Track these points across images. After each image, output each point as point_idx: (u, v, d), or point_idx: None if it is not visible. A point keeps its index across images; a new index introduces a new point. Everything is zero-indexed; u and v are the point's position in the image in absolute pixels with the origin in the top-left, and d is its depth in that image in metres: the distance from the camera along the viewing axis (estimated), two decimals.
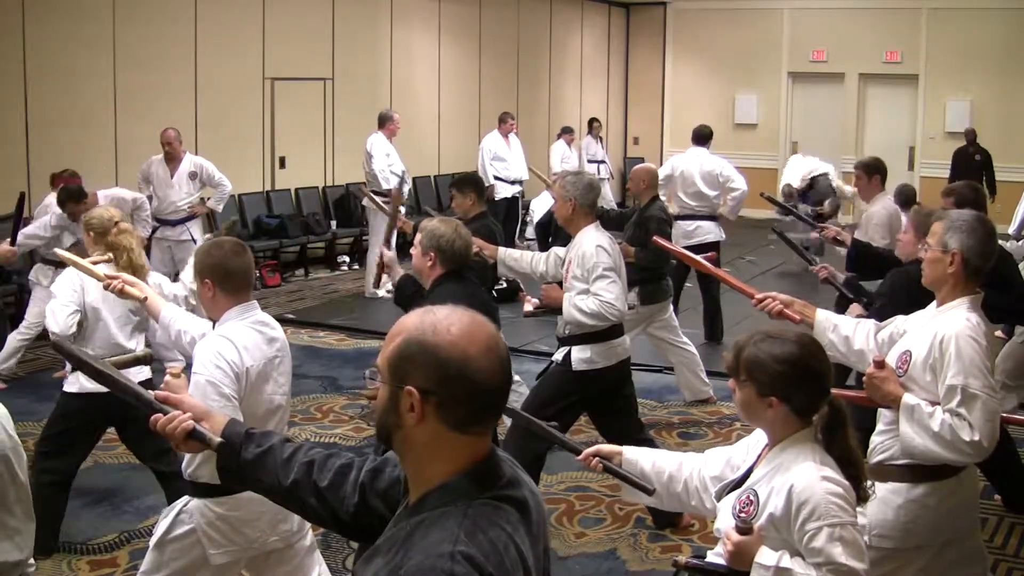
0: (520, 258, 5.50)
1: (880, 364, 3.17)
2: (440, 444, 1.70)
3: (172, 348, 3.81)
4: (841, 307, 5.22)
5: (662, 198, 8.45)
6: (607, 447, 2.95)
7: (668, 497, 2.89)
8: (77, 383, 4.56)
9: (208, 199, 8.72)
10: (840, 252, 5.87)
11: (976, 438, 3.00)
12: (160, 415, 2.22)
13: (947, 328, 3.11)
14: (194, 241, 8.12)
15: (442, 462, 1.70)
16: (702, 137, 8.85)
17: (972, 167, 12.88)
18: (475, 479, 1.70)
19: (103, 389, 4.65)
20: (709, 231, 8.42)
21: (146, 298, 3.87)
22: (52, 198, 7.40)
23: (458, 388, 1.66)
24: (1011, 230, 8.30)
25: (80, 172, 9.01)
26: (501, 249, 5.50)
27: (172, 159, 8.39)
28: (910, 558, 3.19)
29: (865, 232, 6.30)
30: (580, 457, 2.91)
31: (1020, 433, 5.92)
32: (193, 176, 8.42)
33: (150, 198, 8.86)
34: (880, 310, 4.09)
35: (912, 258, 4.35)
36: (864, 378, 3.24)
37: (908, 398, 3.10)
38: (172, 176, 8.36)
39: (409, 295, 4.66)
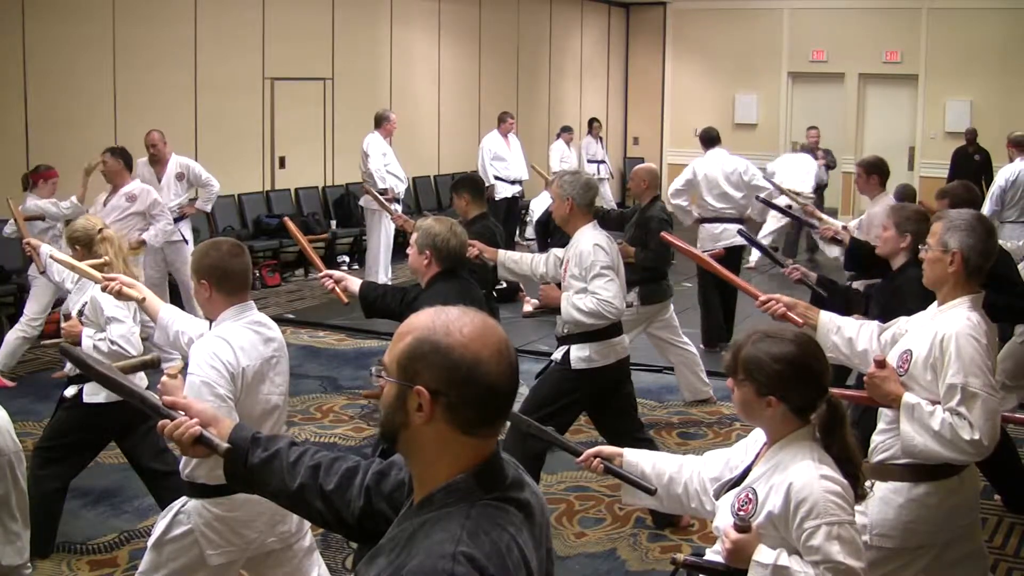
0: (520, 260, 5.49)
1: (881, 363, 3.18)
2: (446, 445, 1.70)
3: (171, 349, 3.78)
4: (817, 306, 5.19)
5: (684, 203, 8.42)
6: (608, 448, 2.95)
7: (668, 499, 2.89)
8: (102, 393, 4.47)
9: (196, 200, 8.67)
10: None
11: (976, 437, 3.00)
12: (167, 420, 2.22)
13: (947, 327, 3.12)
14: (186, 242, 8.10)
15: (447, 463, 1.70)
16: (713, 139, 8.73)
17: (971, 167, 12.86)
18: (479, 480, 1.70)
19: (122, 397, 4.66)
20: (736, 233, 8.33)
21: (144, 299, 3.85)
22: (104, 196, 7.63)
23: (468, 390, 1.66)
24: (987, 211, 8.29)
25: (80, 171, 9.01)
26: (501, 252, 5.49)
27: (158, 161, 8.27)
28: (912, 558, 3.20)
29: (868, 232, 6.28)
30: (581, 458, 2.91)
31: (1020, 433, 5.92)
32: (180, 177, 8.30)
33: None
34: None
35: (892, 255, 4.36)
36: (865, 378, 3.24)
37: (908, 397, 3.10)
38: (160, 179, 8.23)
39: (372, 300, 4.65)
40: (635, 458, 2.91)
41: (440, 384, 1.66)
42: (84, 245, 4.69)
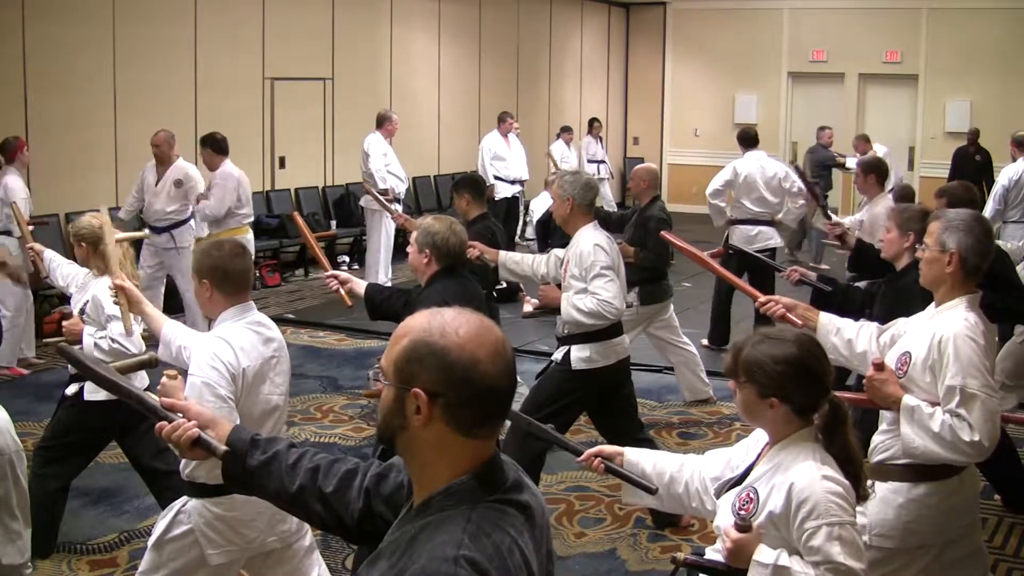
0: (521, 261, 5.49)
1: (880, 366, 3.18)
2: (445, 447, 1.69)
3: (174, 363, 3.77)
4: (817, 306, 5.19)
5: (721, 204, 8.39)
6: (609, 448, 2.95)
7: (669, 499, 2.89)
8: (103, 391, 4.50)
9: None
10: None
11: (976, 438, 3.00)
12: (165, 423, 2.21)
13: (945, 329, 3.12)
14: (177, 251, 7.94)
15: (447, 465, 1.70)
16: (752, 140, 8.61)
17: (971, 167, 12.86)
18: (479, 482, 1.69)
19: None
20: (770, 236, 8.26)
21: (147, 314, 3.86)
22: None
23: (465, 391, 1.66)
24: (989, 213, 8.29)
25: (80, 171, 9.03)
26: (502, 253, 5.48)
27: (161, 162, 8.09)
28: (912, 558, 3.19)
29: (872, 234, 6.27)
30: (582, 458, 2.90)
31: (1020, 433, 5.92)
32: (179, 184, 8.05)
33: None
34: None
35: (897, 256, 4.35)
36: (864, 380, 3.24)
37: (908, 399, 3.10)
38: (157, 182, 8.08)
39: (378, 303, 4.65)
40: (636, 457, 2.91)
41: (438, 386, 1.66)
42: (90, 243, 4.67)
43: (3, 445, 2.76)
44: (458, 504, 1.67)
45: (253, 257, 7.93)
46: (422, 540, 1.65)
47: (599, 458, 2.88)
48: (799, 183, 8.32)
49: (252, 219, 8.11)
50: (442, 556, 1.58)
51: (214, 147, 8.02)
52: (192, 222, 8.19)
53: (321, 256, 5.13)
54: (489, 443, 1.73)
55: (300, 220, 5.28)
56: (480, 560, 1.58)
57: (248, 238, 8.00)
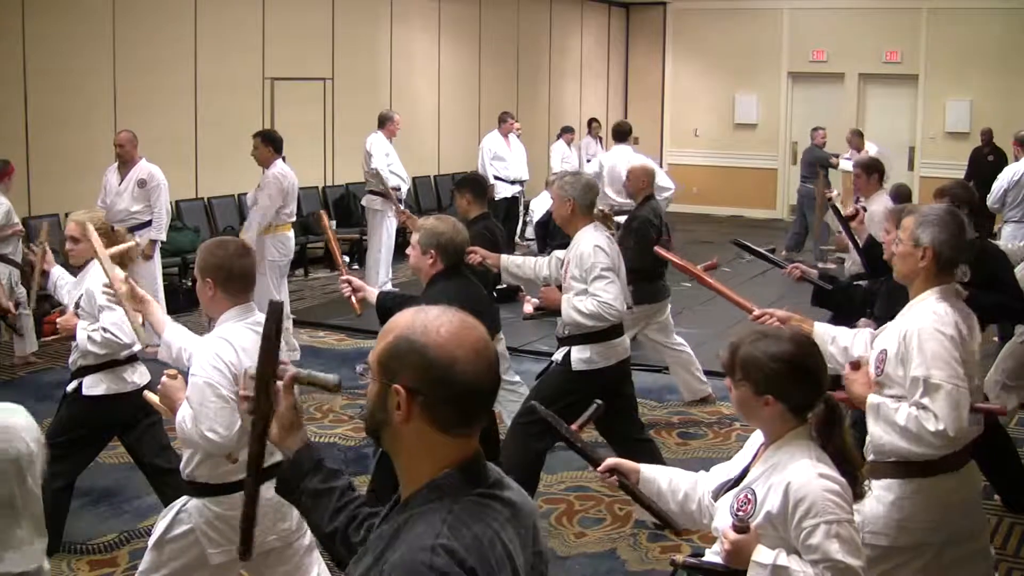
0: (523, 264, 5.48)
1: (856, 365, 3.21)
2: (426, 443, 1.72)
3: (174, 365, 3.75)
4: (818, 304, 5.19)
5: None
6: (626, 464, 2.91)
7: (683, 515, 2.89)
8: (102, 386, 4.52)
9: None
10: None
11: (941, 427, 3.01)
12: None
13: (912, 322, 3.15)
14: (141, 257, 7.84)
15: (430, 461, 1.73)
16: (624, 134, 9.00)
17: (985, 168, 12.85)
18: (462, 477, 1.72)
19: (123, 390, 4.60)
20: None
21: (144, 322, 3.85)
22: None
23: (443, 389, 1.68)
24: (989, 203, 8.32)
25: (80, 171, 9.02)
26: (504, 257, 5.47)
27: (124, 163, 7.97)
28: (909, 557, 3.19)
29: (868, 231, 6.27)
30: (600, 469, 2.88)
31: (1020, 433, 5.92)
32: (142, 184, 7.93)
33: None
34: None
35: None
36: (843, 379, 3.27)
37: (872, 398, 3.15)
38: (120, 182, 7.96)
39: (389, 308, 4.66)
40: (652, 474, 2.89)
41: (417, 383, 1.69)
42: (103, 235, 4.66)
43: (10, 448, 2.74)
44: (441, 497, 1.70)
45: (294, 251, 7.97)
46: (404, 531, 1.68)
47: (615, 474, 2.86)
48: (665, 181, 8.56)
49: (294, 218, 8.05)
50: (420, 545, 1.61)
51: (274, 145, 7.80)
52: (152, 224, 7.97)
53: (339, 257, 5.16)
54: (471, 441, 1.76)
55: (325, 220, 5.28)
56: (458, 549, 1.61)
57: (289, 235, 7.98)
